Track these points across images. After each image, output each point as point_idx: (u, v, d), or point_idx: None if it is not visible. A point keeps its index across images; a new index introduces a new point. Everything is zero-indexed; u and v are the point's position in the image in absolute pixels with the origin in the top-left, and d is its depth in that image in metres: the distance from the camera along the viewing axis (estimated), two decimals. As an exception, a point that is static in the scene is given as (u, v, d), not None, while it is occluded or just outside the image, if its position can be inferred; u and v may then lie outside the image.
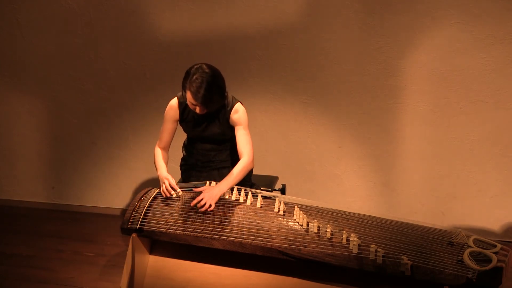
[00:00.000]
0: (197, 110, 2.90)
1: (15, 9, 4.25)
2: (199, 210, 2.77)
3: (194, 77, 2.83)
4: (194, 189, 2.85)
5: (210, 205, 2.77)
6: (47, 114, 4.41)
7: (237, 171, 2.89)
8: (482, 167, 3.82)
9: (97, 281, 3.35)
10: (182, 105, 3.04)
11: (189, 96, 2.87)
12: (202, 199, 2.78)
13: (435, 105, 3.81)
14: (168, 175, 2.96)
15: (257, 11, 3.92)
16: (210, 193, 2.80)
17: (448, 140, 3.84)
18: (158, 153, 3.11)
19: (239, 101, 3.04)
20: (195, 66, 2.89)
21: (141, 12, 4.08)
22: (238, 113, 2.99)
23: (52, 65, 4.30)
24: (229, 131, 3.04)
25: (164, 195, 2.91)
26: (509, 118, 3.73)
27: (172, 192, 2.90)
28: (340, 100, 3.94)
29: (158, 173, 3.01)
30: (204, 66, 2.88)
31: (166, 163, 3.10)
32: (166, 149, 3.14)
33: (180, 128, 3.16)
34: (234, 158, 3.08)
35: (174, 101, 3.07)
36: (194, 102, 2.86)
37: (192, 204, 2.79)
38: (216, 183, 2.96)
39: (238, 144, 2.99)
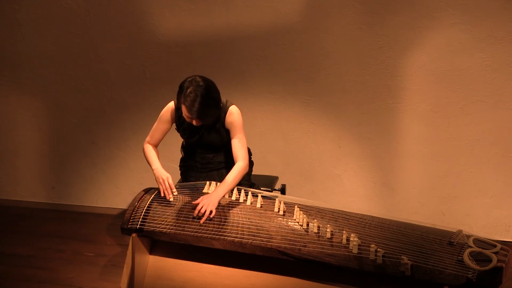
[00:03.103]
0: (194, 123, 2.89)
1: (15, 9, 4.25)
2: (200, 220, 2.76)
3: (188, 91, 2.82)
4: (193, 202, 2.83)
5: (211, 212, 2.77)
6: (47, 114, 4.41)
7: (233, 176, 2.89)
8: (482, 167, 3.82)
9: (97, 281, 3.35)
10: (179, 112, 3.03)
11: (184, 110, 2.85)
12: (202, 208, 2.77)
13: (435, 105, 3.81)
14: (164, 174, 2.95)
15: (257, 11, 3.92)
16: (208, 199, 2.79)
17: (448, 140, 3.84)
18: (149, 148, 3.08)
19: (233, 104, 3.02)
20: (188, 79, 2.87)
21: (141, 12, 4.08)
22: (233, 115, 2.98)
23: (52, 65, 4.30)
24: (226, 135, 3.03)
25: (163, 195, 2.90)
26: (509, 118, 3.73)
27: (170, 196, 2.89)
28: (340, 100, 3.94)
29: (153, 167, 2.99)
30: (198, 79, 2.86)
31: (157, 158, 3.07)
32: (156, 146, 3.13)
33: (179, 129, 3.16)
34: (232, 158, 3.07)
35: (171, 104, 3.06)
36: (190, 116, 2.86)
37: (195, 214, 2.78)
38: (216, 184, 2.96)
39: (233, 148, 2.98)
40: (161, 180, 2.93)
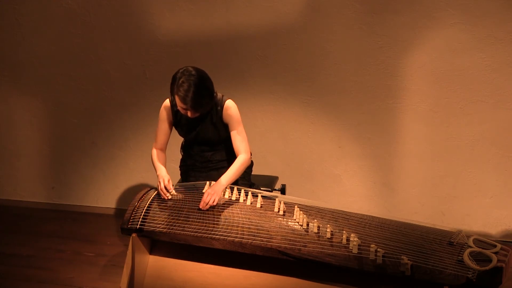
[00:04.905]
0: (189, 114, 2.89)
1: (16, 10, 4.25)
2: (206, 207, 2.78)
3: (181, 81, 2.82)
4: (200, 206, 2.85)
5: (215, 200, 2.79)
6: (47, 114, 4.41)
7: (236, 168, 2.91)
8: (482, 167, 3.82)
9: (97, 281, 3.35)
10: (174, 108, 3.03)
11: (178, 101, 2.86)
12: (207, 197, 2.79)
13: (435, 105, 3.81)
14: (164, 175, 2.96)
15: (257, 11, 3.92)
16: (212, 189, 2.82)
17: (448, 140, 3.84)
18: (155, 153, 3.11)
19: (229, 99, 3.02)
20: (181, 70, 2.87)
21: (141, 12, 4.08)
22: (230, 109, 2.98)
23: (52, 65, 4.30)
24: (224, 131, 3.04)
25: (162, 196, 2.92)
26: (509, 118, 3.73)
27: (168, 194, 2.90)
28: (340, 100, 3.94)
29: (157, 173, 3.01)
30: (190, 69, 2.87)
31: (164, 163, 3.09)
32: (162, 149, 3.14)
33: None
34: (231, 156, 3.07)
35: (167, 102, 3.07)
36: (184, 106, 2.86)
37: (200, 206, 2.79)
38: (217, 182, 2.97)
39: (233, 142, 2.99)
40: (158, 183, 2.95)
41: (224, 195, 2.89)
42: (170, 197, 2.91)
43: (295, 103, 4.01)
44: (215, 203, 2.79)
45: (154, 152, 3.11)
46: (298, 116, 4.03)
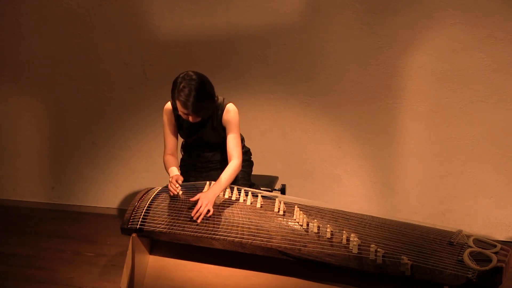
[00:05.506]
0: (190, 119, 2.88)
1: (16, 10, 4.25)
2: (198, 219, 2.76)
3: (181, 86, 2.81)
4: (191, 199, 2.82)
5: (209, 211, 2.77)
6: (47, 114, 4.41)
7: (228, 174, 2.88)
8: (482, 167, 3.82)
9: (97, 281, 3.35)
10: (175, 111, 3.03)
11: (179, 106, 2.85)
12: (200, 207, 2.77)
13: (435, 105, 3.81)
14: (175, 174, 2.95)
15: (257, 11, 3.92)
16: (206, 198, 2.79)
17: (448, 140, 3.84)
18: (166, 160, 3.06)
19: (230, 102, 3.02)
20: (181, 75, 2.86)
21: (141, 12, 4.08)
22: (230, 113, 2.98)
23: (52, 65, 4.30)
24: (224, 133, 3.03)
25: (171, 190, 2.90)
26: (509, 118, 3.73)
27: (177, 190, 2.88)
28: (340, 100, 3.94)
29: (170, 175, 3.00)
30: (191, 73, 2.86)
31: (176, 165, 3.06)
32: (173, 154, 3.10)
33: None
34: None
35: (168, 105, 3.06)
36: (185, 111, 2.85)
37: (193, 214, 2.77)
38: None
39: (228, 145, 2.97)
40: (169, 181, 2.94)
41: (224, 195, 2.89)
42: (179, 192, 2.89)
43: (295, 103, 4.01)
44: (209, 215, 2.77)
45: (166, 158, 3.07)
46: (298, 116, 4.03)
